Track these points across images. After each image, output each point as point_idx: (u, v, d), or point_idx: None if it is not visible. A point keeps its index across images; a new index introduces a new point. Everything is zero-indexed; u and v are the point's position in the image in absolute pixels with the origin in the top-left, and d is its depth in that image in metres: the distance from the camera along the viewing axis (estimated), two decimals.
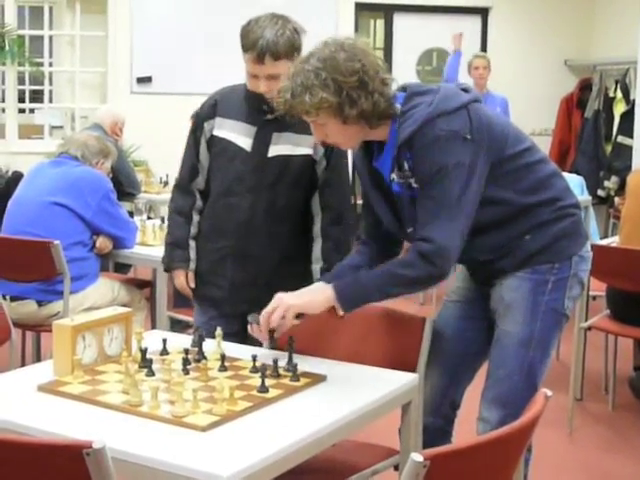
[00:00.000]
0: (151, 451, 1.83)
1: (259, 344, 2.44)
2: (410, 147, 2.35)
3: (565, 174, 2.72)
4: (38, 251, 3.88)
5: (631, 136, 7.48)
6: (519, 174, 2.47)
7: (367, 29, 9.31)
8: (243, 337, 2.81)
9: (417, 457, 1.59)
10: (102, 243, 4.17)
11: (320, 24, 6.46)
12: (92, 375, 2.26)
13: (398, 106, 2.39)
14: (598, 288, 4.27)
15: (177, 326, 4.33)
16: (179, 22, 8.24)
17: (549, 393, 1.91)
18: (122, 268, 5.51)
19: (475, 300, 2.66)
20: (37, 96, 9.09)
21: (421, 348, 2.55)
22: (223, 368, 2.32)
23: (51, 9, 8.70)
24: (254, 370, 2.29)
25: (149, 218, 5.22)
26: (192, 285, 3.14)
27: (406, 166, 2.38)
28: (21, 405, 2.11)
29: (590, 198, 6.49)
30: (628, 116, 7.88)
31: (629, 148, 7.60)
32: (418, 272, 2.37)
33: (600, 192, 8.26)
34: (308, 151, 3.00)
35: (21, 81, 8.71)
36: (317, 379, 2.30)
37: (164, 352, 2.42)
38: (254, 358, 2.32)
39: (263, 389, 2.16)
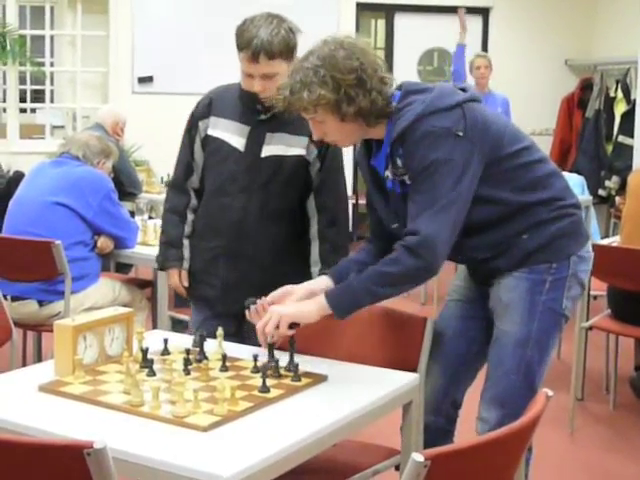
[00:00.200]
0: (152, 451, 1.83)
1: (257, 344, 2.44)
2: (402, 143, 2.35)
3: (566, 174, 2.71)
4: (39, 251, 3.88)
5: (632, 136, 7.49)
6: (516, 173, 2.46)
7: (368, 29, 9.32)
8: (240, 337, 2.82)
9: (418, 457, 1.58)
10: (103, 243, 4.17)
11: (321, 24, 6.45)
12: (93, 375, 2.26)
13: (395, 104, 2.39)
14: (599, 288, 4.26)
15: (178, 326, 4.32)
16: (180, 22, 8.25)
17: (550, 393, 1.90)
18: (123, 268, 5.50)
19: (476, 300, 2.66)
20: (38, 96, 9.10)
21: (422, 348, 2.54)
22: (224, 368, 2.32)
23: (52, 9, 8.71)
24: (255, 370, 2.29)
25: (150, 218, 5.22)
26: (185, 284, 3.14)
27: (399, 162, 2.38)
28: (22, 405, 2.11)
29: (591, 198, 6.48)
30: (629, 116, 7.89)
31: (630, 148, 7.61)
32: (403, 267, 2.33)
33: (601, 192, 8.26)
34: (301, 152, 3.00)
35: (22, 81, 8.73)
36: (318, 379, 2.30)
37: (165, 352, 2.42)
38: (255, 358, 2.32)
39: (264, 389, 2.16)
